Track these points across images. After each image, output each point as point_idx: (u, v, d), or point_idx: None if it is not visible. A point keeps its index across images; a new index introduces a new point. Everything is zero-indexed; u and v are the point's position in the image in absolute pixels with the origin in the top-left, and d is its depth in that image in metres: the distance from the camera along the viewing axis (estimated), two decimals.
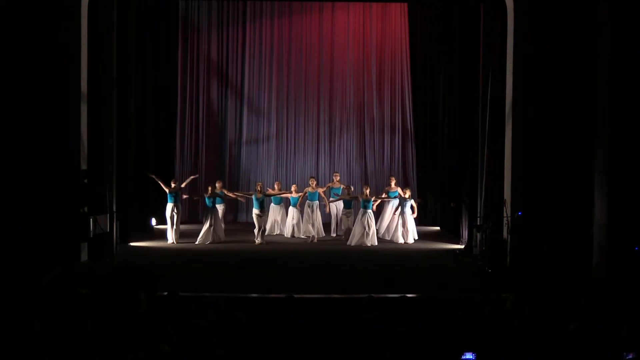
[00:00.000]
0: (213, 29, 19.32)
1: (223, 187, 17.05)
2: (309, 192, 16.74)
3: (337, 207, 17.20)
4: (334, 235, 17.11)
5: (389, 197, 16.89)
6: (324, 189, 17.33)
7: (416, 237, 16.50)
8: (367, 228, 15.98)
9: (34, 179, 13.01)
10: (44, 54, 13.14)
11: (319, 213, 16.77)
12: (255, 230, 16.22)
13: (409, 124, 19.46)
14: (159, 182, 16.26)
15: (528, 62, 13.37)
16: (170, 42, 18.86)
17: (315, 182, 16.94)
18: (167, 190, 16.19)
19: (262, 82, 19.53)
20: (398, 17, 19.36)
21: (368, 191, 16.33)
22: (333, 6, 19.27)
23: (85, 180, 13.46)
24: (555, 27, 13.23)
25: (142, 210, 17.14)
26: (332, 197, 17.19)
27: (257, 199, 16.29)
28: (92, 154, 14.05)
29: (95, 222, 13.61)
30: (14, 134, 13.06)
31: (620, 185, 12.40)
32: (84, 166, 13.69)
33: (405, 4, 19.02)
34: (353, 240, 16.03)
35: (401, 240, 16.33)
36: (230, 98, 19.49)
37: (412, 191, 17.20)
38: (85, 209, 13.40)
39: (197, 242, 15.98)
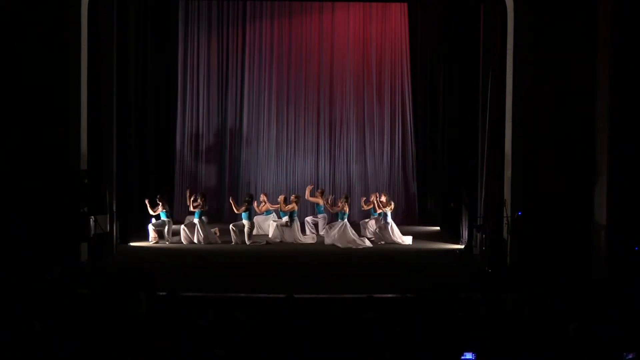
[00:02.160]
0: (213, 29, 19.31)
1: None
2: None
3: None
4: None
5: (371, 214, 16.87)
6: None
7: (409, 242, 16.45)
8: (347, 235, 15.92)
9: (34, 179, 13.01)
10: (44, 54, 13.15)
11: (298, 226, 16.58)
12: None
13: (409, 124, 19.45)
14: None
15: (528, 62, 13.37)
16: (170, 42, 18.87)
17: (295, 198, 16.69)
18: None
19: (262, 82, 19.52)
20: (398, 17, 19.35)
21: (343, 202, 16.23)
22: (333, 6, 19.26)
23: (85, 180, 13.46)
24: (555, 26, 13.24)
25: (142, 210, 17.13)
26: (318, 212, 17.14)
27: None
28: (92, 154, 14.05)
29: (95, 222, 13.61)
30: (14, 133, 13.06)
31: (620, 185, 12.43)
32: (84, 166, 13.69)
33: (405, 4, 19.02)
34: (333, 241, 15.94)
35: (399, 240, 16.28)
36: (230, 98, 19.47)
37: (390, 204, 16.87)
38: (85, 209, 13.39)
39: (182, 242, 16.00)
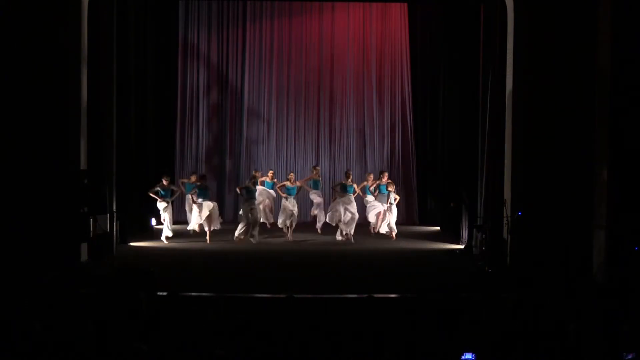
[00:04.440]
0: (213, 29, 19.33)
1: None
2: (287, 186, 16.66)
3: (318, 197, 17.27)
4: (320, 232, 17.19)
5: (380, 191, 16.95)
6: (302, 182, 17.31)
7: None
8: (346, 212, 15.98)
9: (34, 179, 13.00)
10: (44, 54, 13.14)
11: (296, 208, 16.63)
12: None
13: (409, 124, 19.45)
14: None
15: (528, 62, 13.37)
16: (170, 42, 18.87)
17: (293, 177, 16.87)
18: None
19: (262, 82, 19.54)
20: (398, 17, 19.37)
21: (351, 178, 16.43)
22: (333, 6, 19.28)
23: (85, 180, 13.46)
24: (555, 27, 13.24)
25: (142, 210, 17.14)
26: (313, 189, 17.19)
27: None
28: (92, 154, 14.05)
29: (95, 222, 13.61)
30: (14, 133, 13.06)
31: (620, 185, 12.42)
32: (84, 166, 13.69)
33: (405, 4, 19.03)
34: (334, 220, 16.11)
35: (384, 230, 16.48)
36: (230, 98, 19.49)
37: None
38: (85, 209, 13.39)
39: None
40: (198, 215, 16.28)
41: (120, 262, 13.50)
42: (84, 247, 13.62)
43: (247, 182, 16.80)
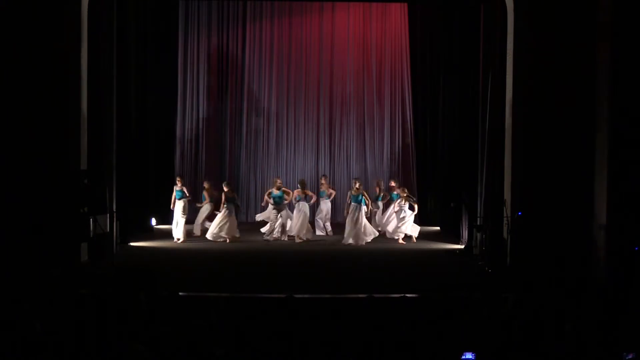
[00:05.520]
0: (213, 29, 19.32)
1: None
2: (298, 195, 16.65)
3: (326, 205, 17.24)
4: (322, 233, 17.19)
5: (391, 198, 16.95)
6: (325, 191, 17.31)
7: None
8: (359, 224, 15.95)
9: (34, 179, 13.01)
10: (44, 54, 13.14)
11: (307, 214, 16.64)
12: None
13: (409, 124, 19.45)
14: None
15: (528, 62, 13.36)
16: (170, 42, 18.86)
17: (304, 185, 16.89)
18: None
19: (262, 83, 19.53)
20: (398, 17, 19.36)
21: (357, 185, 16.31)
22: (333, 6, 19.27)
23: (85, 180, 13.46)
24: (555, 27, 13.23)
25: (142, 210, 17.13)
26: (325, 199, 17.15)
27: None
28: (92, 154, 14.06)
29: (95, 222, 13.61)
30: (14, 134, 13.06)
31: (620, 185, 12.43)
32: (84, 166, 13.69)
33: (405, 4, 19.02)
34: (347, 240, 16.00)
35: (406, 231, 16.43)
36: (230, 98, 19.48)
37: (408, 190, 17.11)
38: (85, 209, 13.39)
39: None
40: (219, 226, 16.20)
41: (120, 262, 13.50)
42: (84, 247, 13.62)
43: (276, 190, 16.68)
